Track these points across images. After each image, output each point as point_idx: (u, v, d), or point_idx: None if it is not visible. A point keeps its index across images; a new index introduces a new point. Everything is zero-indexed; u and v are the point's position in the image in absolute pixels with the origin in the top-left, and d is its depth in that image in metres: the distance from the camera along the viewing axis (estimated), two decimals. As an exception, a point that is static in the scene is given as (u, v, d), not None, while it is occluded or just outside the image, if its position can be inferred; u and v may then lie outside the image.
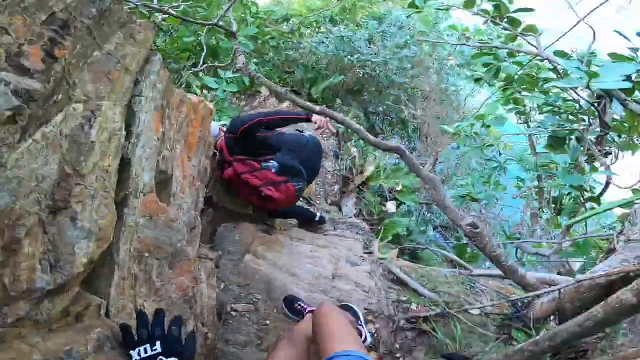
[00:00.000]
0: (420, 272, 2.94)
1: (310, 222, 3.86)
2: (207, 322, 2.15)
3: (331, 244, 3.29)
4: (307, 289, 2.65)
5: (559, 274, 4.10)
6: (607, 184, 3.04)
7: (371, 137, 2.43)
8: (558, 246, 3.45)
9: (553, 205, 3.71)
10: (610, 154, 3.26)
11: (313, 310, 2.36)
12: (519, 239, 4.04)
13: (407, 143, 8.10)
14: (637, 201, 2.04)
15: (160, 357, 0.99)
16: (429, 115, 6.79)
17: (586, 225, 3.40)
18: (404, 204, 6.64)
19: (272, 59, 6.44)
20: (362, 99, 7.35)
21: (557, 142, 3.32)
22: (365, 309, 2.56)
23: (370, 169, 5.89)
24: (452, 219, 2.23)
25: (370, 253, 3.37)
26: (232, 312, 2.54)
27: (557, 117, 3.43)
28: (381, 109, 7.64)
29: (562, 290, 1.94)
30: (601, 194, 3.10)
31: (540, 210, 4.43)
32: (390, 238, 5.58)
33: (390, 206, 6.12)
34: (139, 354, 0.99)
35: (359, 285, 2.65)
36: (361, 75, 6.65)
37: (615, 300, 1.35)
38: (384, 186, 6.03)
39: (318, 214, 3.97)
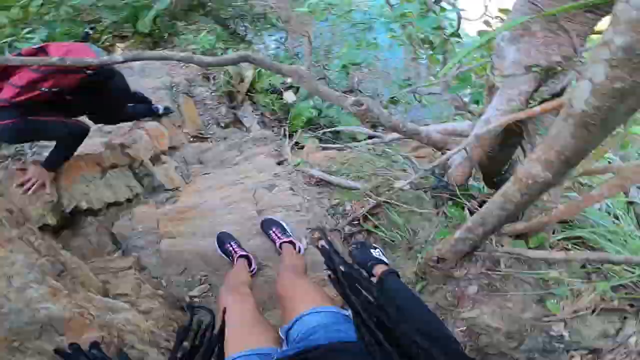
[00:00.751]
0: (340, 159, 2.72)
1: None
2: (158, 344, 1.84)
3: (241, 174, 2.93)
4: (240, 237, 2.36)
5: (456, 107, 4.15)
6: (459, 19, 3.04)
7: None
8: (444, 83, 3.43)
9: (426, 46, 3.77)
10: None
11: (244, 255, 2.17)
12: (410, 85, 3.96)
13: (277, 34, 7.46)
14: (500, 34, 1.84)
15: None
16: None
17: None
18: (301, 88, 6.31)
19: (56, 17, 4.79)
20: (208, 10, 6.34)
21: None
22: (307, 228, 2.35)
23: (249, 74, 5.32)
24: (334, 103, 1.92)
25: (285, 161, 3.08)
26: (193, 301, 2.27)
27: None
28: (231, 12, 6.75)
29: (467, 149, 1.82)
30: (457, 29, 3.12)
31: (417, 53, 4.37)
32: (302, 126, 5.35)
33: (288, 96, 5.78)
34: None
35: (288, 207, 2.40)
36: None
37: (526, 176, 1.22)
38: (274, 82, 5.58)
39: (160, 106, 3.79)
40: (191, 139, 4.13)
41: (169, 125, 3.83)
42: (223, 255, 2.33)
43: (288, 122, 5.55)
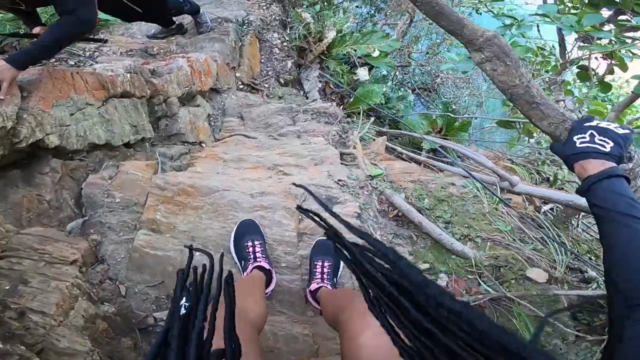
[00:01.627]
0: (438, 191, 1.69)
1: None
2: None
3: (289, 155, 1.95)
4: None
5: None
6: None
7: None
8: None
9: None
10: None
11: (262, 267, 1.32)
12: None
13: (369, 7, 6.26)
14: None
15: None
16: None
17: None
18: (376, 68, 5.28)
19: None
20: None
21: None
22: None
23: (331, 35, 4.27)
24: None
25: (348, 156, 2.08)
26: (157, 324, 1.37)
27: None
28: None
29: None
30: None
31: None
32: (362, 110, 4.38)
33: (362, 73, 4.78)
34: None
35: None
36: None
37: None
38: (352, 53, 4.55)
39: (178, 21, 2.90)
40: (241, 86, 3.16)
41: (221, 63, 2.86)
42: (234, 257, 1.39)
43: (350, 100, 4.57)
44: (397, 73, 6.18)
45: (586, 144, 0.74)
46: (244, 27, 3.40)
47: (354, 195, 1.56)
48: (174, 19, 2.86)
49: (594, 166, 0.71)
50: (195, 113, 2.33)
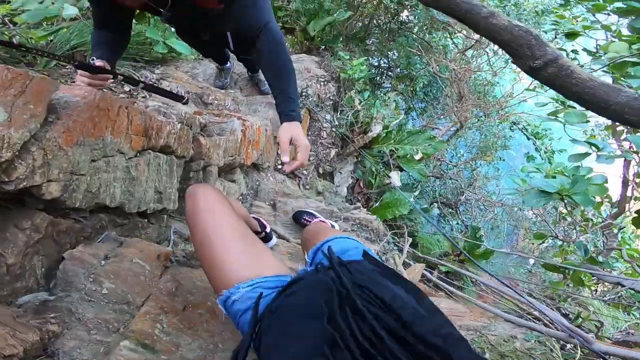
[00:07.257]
0: (494, 341, 1.24)
1: None
2: None
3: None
4: None
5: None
6: None
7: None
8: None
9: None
10: None
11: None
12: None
13: (409, 101, 6.26)
14: None
15: None
16: (463, 72, 4.90)
17: None
18: (404, 171, 5.01)
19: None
20: (365, 48, 5.45)
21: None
22: None
23: (377, 129, 4.08)
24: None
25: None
26: None
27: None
28: (384, 62, 5.82)
29: None
30: None
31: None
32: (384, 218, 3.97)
33: (395, 177, 4.46)
34: None
35: None
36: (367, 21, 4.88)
37: None
38: (388, 153, 4.31)
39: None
40: (279, 166, 2.85)
41: (270, 134, 2.57)
42: None
43: (376, 205, 4.21)
44: (430, 185, 5.95)
45: None
46: (301, 98, 3.20)
47: None
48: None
49: None
50: (229, 190, 1.96)
